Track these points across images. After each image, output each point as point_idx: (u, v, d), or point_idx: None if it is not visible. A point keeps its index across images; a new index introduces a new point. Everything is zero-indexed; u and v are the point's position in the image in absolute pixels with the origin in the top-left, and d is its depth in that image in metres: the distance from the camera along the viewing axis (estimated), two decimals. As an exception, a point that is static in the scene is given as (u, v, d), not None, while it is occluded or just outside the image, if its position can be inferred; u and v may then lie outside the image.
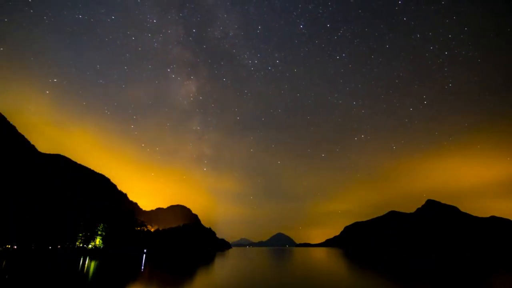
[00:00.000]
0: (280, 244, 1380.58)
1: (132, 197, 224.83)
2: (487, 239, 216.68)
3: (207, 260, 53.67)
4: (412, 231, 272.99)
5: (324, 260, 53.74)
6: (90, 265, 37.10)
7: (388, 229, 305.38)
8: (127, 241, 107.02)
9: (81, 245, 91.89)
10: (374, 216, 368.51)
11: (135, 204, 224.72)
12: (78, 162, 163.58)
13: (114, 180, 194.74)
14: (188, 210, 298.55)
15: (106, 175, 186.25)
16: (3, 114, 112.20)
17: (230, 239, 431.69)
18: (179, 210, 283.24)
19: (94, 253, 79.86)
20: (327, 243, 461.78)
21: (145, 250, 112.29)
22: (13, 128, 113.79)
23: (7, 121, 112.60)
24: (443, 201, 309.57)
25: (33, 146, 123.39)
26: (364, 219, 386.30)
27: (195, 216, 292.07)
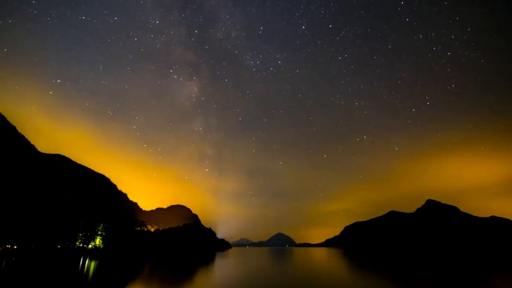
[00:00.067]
0: (280, 244, 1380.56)
1: (132, 197, 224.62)
2: (487, 239, 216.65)
3: (207, 260, 53.67)
4: (412, 231, 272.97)
5: (324, 260, 53.73)
6: (90, 265, 37.10)
7: (388, 229, 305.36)
8: (127, 241, 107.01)
9: (81, 245, 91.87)
10: (374, 216, 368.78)
11: (135, 204, 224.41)
12: (78, 162, 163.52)
13: (114, 180, 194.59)
14: (188, 210, 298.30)
15: (106, 175, 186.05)
16: (3, 114, 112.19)
17: (230, 239, 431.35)
18: (179, 210, 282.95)
19: (94, 253, 79.85)
20: (327, 243, 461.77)
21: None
22: (13, 128, 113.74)
23: (7, 121, 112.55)
24: (443, 201, 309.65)
25: (33, 146, 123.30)
26: (364, 219, 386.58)
27: (195, 216, 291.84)
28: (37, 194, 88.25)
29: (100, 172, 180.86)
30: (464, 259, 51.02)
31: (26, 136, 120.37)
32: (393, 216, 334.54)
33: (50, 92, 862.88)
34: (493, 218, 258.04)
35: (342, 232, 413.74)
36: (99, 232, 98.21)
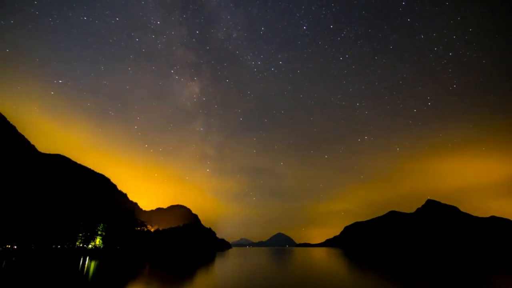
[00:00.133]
0: (280, 244, 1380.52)
1: (132, 197, 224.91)
2: (487, 239, 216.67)
3: (207, 260, 53.67)
4: (412, 231, 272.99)
5: (324, 260, 53.73)
6: (90, 265, 37.10)
7: (388, 229, 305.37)
8: (127, 241, 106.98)
9: (81, 245, 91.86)
10: (374, 216, 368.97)
11: (135, 204, 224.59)
12: (78, 162, 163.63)
13: (114, 180, 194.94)
14: (188, 210, 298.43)
15: (106, 175, 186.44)
16: (3, 114, 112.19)
17: (230, 239, 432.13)
18: (179, 210, 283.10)
19: (94, 253, 79.85)
20: (327, 243, 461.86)
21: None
22: (13, 128, 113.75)
23: (7, 121, 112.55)
24: (443, 201, 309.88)
25: (33, 146, 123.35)
26: (364, 219, 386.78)
27: (195, 216, 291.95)
28: (37, 194, 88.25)
29: (100, 172, 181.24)
30: (464, 259, 51.02)
31: (26, 136, 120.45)
32: (393, 216, 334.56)
33: (52, 92, 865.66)
34: (493, 218, 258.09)
35: (342, 232, 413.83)
36: (99, 232, 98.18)
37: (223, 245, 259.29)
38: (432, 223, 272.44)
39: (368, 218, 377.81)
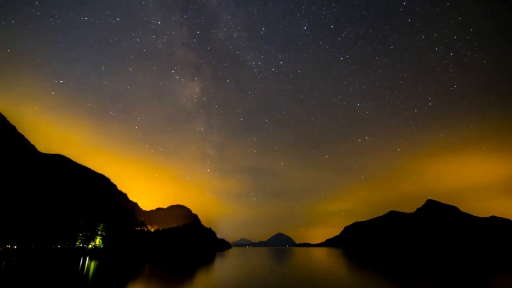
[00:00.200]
0: (280, 244, 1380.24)
1: (132, 197, 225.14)
2: (487, 239, 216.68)
3: (207, 260, 53.67)
4: (412, 231, 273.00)
5: (324, 260, 53.73)
6: (90, 265, 37.10)
7: (388, 229, 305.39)
8: (127, 241, 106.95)
9: (81, 245, 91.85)
10: (374, 216, 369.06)
11: (135, 204, 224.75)
12: (78, 162, 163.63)
13: (114, 180, 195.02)
14: (188, 210, 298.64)
15: (106, 175, 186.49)
16: (3, 114, 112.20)
17: (230, 239, 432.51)
18: (179, 210, 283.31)
19: (94, 253, 79.84)
20: (327, 243, 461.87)
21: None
22: (13, 128, 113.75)
23: (7, 121, 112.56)
24: (443, 201, 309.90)
25: (33, 146, 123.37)
26: (364, 219, 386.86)
27: (195, 216, 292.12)
28: (37, 194, 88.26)
29: (100, 172, 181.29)
30: (464, 259, 51.02)
31: (26, 136, 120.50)
32: (393, 216, 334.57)
33: (52, 93, 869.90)
34: (493, 218, 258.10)
35: (342, 232, 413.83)
36: (99, 232, 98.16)
37: (223, 245, 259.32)
38: (432, 223, 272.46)
39: (368, 218, 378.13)
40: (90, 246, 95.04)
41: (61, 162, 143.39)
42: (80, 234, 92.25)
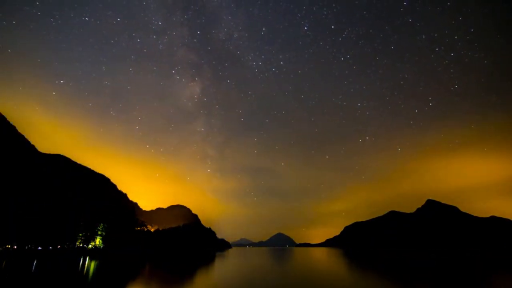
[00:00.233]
0: (280, 244, 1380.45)
1: (132, 197, 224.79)
2: (487, 239, 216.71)
3: (207, 260, 53.67)
4: (412, 231, 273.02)
5: (324, 260, 53.73)
6: (90, 265, 37.10)
7: (388, 229, 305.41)
8: (127, 241, 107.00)
9: (81, 245, 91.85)
10: (374, 216, 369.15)
11: (135, 204, 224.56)
12: (78, 162, 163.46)
13: (114, 180, 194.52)
14: (188, 210, 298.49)
15: (106, 175, 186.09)
16: (3, 114, 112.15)
17: (230, 239, 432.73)
18: (179, 210, 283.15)
19: (94, 253, 79.85)
20: (327, 243, 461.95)
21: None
22: (13, 128, 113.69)
23: (7, 121, 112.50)
24: (443, 201, 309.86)
25: (33, 146, 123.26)
26: (364, 219, 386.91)
27: (195, 216, 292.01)
28: (37, 194, 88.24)
29: (100, 172, 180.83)
30: (464, 259, 51.02)
31: (26, 136, 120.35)
32: (393, 216, 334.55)
33: (53, 93, 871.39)
34: (493, 218, 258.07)
35: (342, 232, 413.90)
36: (99, 232, 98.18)
37: (223, 245, 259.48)
38: (432, 223, 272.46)
39: (368, 218, 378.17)
40: (90, 246, 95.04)
41: (61, 162, 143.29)
42: (80, 234, 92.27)
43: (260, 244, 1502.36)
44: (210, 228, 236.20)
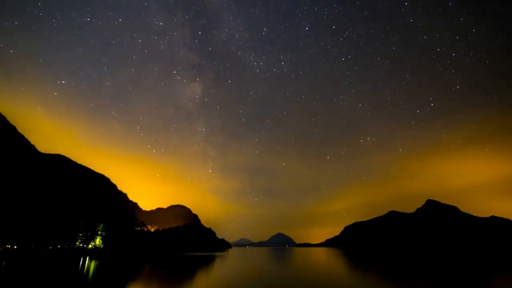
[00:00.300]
0: (280, 244, 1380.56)
1: (132, 197, 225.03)
2: (487, 239, 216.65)
3: (207, 260, 53.66)
4: (412, 231, 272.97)
5: (324, 260, 53.73)
6: (90, 265, 37.10)
7: (388, 229, 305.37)
8: (127, 241, 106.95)
9: (81, 245, 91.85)
10: (374, 216, 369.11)
11: (135, 204, 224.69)
12: (78, 162, 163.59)
13: (114, 180, 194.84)
14: (188, 210, 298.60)
15: (106, 175, 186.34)
16: (3, 114, 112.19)
17: (230, 239, 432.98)
18: (179, 210, 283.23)
19: (94, 253, 79.84)
20: (327, 243, 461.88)
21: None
22: (13, 128, 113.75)
23: (7, 121, 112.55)
24: (443, 201, 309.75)
25: (33, 146, 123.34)
26: (364, 219, 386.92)
27: (195, 216, 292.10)
28: (37, 194, 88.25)
29: (100, 172, 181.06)
30: (464, 259, 51.02)
31: (26, 136, 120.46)
32: (393, 216, 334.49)
33: (55, 93, 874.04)
34: (493, 218, 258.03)
35: (342, 232, 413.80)
36: (99, 232, 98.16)
37: (223, 245, 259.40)
38: (432, 223, 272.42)
39: (368, 218, 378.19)
40: (90, 246, 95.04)
41: (61, 162, 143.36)
42: (80, 234, 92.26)
43: (260, 244, 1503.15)
44: (210, 228, 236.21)
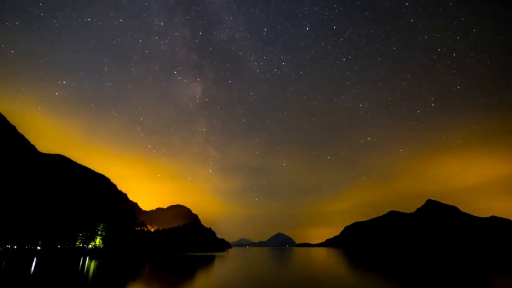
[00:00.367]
0: (280, 244, 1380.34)
1: (132, 197, 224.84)
2: (487, 239, 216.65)
3: (207, 260, 53.65)
4: (412, 231, 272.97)
5: (324, 260, 53.72)
6: (90, 265, 37.10)
7: (388, 229, 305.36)
8: (127, 241, 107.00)
9: (81, 245, 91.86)
10: (374, 216, 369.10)
11: (135, 204, 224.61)
12: (78, 162, 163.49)
13: (114, 180, 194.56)
14: (188, 210, 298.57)
15: (106, 175, 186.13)
16: (3, 114, 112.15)
17: (230, 239, 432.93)
18: (179, 210, 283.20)
19: (94, 253, 79.85)
20: (327, 243, 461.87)
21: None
22: (13, 128, 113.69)
23: (7, 121, 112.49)
24: (443, 201, 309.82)
25: (33, 146, 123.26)
26: (364, 219, 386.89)
27: (195, 216, 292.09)
28: (37, 194, 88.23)
29: (100, 172, 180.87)
30: (464, 259, 51.02)
31: (26, 136, 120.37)
32: (393, 216, 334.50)
33: (56, 93, 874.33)
34: (493, 218, 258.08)
35: (342, 232, 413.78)
36: (99, 232, 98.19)
37: (223, 245, 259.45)
38: (432, 223, 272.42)
39: (368, 218, 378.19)
40: (90, 246, 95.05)
41: (61, 162, 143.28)
42: (80, 234, 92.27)
43: (260, 244, 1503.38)
44: (210, 228, 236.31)
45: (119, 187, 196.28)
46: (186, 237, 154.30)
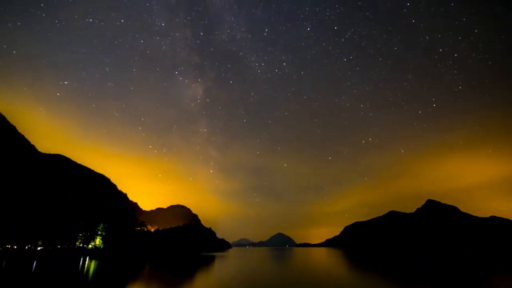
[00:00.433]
0: (280, 244, 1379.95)
1: (132, 197, 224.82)
2: (487, 239, 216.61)
3: (207, 260, 53.66)
4: (412, 231, 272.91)
5: (324, 260, 53.72)
6: (90, 265, 37.10)
7: (388, 229, 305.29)
8: (127, 241, 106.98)
9: (81, 245, 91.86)
10: (374, 216, 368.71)
11: (135, 204, 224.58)
12: (78, 162, 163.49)
13: (114, 180, 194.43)
14: (188, 210, 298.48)
15: (106, 175, 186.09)
16: (3, 114, 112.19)
17: (230, 239, 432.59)
18: (179, 210, 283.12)
19: (94, 253, 79.86)
20: (327, 243, 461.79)
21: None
22: (13, 128, 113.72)
23: (7, 121, 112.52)
24: (443, 201, 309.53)
25: (33, 146, 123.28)
26: (364, 219, 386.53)
27: (195, 216, 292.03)
28: (37, 194, 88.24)
29: (100, 172, 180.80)
30: (464, 259, 51.02)
31: (26, 136, 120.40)
32: (393, 216, 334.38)
33: (58, 94, 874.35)
34: (493, 218, 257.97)
35: (342, 232, 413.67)
36: (99, 232, 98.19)
37: (223, 245, 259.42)
38: (432, 223, 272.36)
39: (368, 218, 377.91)
40: (90, 246, 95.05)
41: (61, 162, 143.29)
42: (80, 234, 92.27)
43: (260, 244, 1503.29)
44: (210, 228, 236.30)
45: (119, 187, 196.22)
46: (186, 237, 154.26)
